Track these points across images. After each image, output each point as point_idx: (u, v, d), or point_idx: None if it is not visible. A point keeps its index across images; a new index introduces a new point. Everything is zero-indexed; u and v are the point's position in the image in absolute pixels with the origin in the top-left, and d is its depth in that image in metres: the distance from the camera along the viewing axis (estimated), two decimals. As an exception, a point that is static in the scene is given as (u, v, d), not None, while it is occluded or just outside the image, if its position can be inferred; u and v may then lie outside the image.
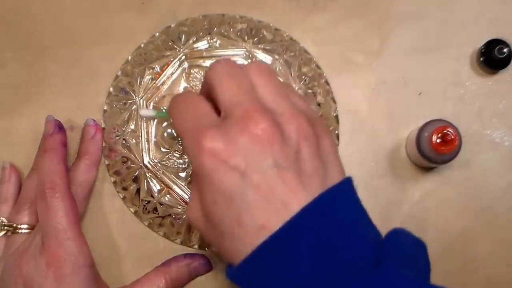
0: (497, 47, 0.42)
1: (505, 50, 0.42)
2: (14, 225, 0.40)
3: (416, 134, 0.41)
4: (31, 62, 0.45)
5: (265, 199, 0.28)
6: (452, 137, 0.39)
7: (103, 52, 0.45)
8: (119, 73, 0.44)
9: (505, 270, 0.43)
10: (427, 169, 0.44)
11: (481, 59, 0.43)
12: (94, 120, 0.43)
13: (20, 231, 0.40)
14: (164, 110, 0.42)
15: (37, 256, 0.37)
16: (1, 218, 0.41)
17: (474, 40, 0.44)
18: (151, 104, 0.43)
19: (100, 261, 0.40)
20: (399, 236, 0.31)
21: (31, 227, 0.40)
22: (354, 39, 0.45)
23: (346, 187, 0.30)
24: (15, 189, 0.43)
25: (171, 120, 0.36)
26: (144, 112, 0.42)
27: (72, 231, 0.37)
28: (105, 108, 0.44)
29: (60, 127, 0.42)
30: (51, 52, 0.45)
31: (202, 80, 0.40)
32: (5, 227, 0.40)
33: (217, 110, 0.32)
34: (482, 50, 0.43)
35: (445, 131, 0.39)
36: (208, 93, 0.33)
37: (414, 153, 0.42)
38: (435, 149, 0.39)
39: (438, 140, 0.39)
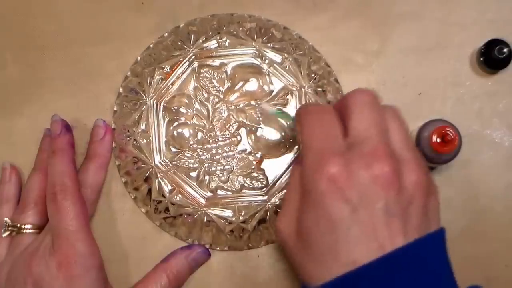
0: (497, 47, 0.42)
1: (505, 50, 0.42)
2: (19, 225, 0.40)
3: (416, 134, 0.41)
4: (31, 62, 0.45)
5: (365, 237, 0.29)
6: (452, 137, 0.39)
7: (103, 52, 0.45)
8: (129, 73, 0.44)
9: (504, 270, 0.43)
10: (427, 169, 0.44)
11: (481, 59, 0.43)
12: (104, 121, 0.43)
13: (24, 231, 0.40)
14: (282, 112, 0.43)
15: (47, 257, 0.37)
16: (5, 218, 0.41)
17: (474, 40, 0.44)
18: (162, 104, 0.43)
19: (108, 262, 0.40)
20: None
21: (36, 227, 0.40)
22: (354, 39, 0.45)
23: (439, 240, 0.31)
24: (16, 189, 0.43)
25: (294, 127, 0.37)
26: (265, 106, 0.42)
27: (82, 233, 0.38)
28: (115, 108, 0.44)
29: (67, 128, 0.42)
30: (52, 52, 0.45)
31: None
32: (10, 228, 0.41)
33: (343, 129, 0.33)
34: (482, 50, 0.43)
35: (445, 131, 0.39)
36: (340, 112, 0.33)
37: (414, 153, 0.42)
38: (435, 149, 0.39)
39: (438, 140, 0.39)
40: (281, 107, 0.43)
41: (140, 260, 0.43)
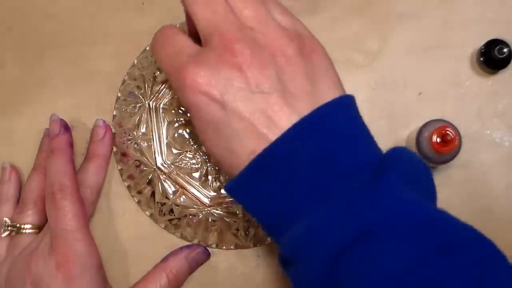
0: (497, 47, 0.42)
1: (505, 50, 0.42)
2: (18, 225, 0.40)
3: (416, 134, 0.41)
4: (31, 62, 0.45)
5: (250, 125, 0.28)
6: (452, 137, 0.39)
7: (103, 52, 0.45)
8: (126, 77, 0.44)
9: (505, 270, 0.43)
10: (427, 169, 0.44)
11: (481, 59, 0.43)
12: (104, 121, 0.43)
13: (24, 231, 0.40)
14: None
15: (46, 256, 0.37)
16: (5, 218, 0.41)
17: (474, 40, 0.44)
18: (161, 106, 0.43)
19: (107, 262, 0.40)
20: (402, 153, 0.29)
21: (35, 227, 0.40)
22: (354, 39, 0.45)
23: (341, 104, 0.29)
24: (15, 189, 0.43)
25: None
26: None
27: (81, 233, 0.38)
28: (114, 113, 0.44)
29: (66, 127, 0.42)
30: (51, 52, 0.45)
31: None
32: (9, 228, 0.40)
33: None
34: (482, 50, 0.43)
35: (445, 131, 0.39)
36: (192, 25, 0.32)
37: (414, 153, 0.42)
38: (435, 149, 0.39)
39: (438, 140, 0.39)
40: None
41: (140, 260, 0.43)
